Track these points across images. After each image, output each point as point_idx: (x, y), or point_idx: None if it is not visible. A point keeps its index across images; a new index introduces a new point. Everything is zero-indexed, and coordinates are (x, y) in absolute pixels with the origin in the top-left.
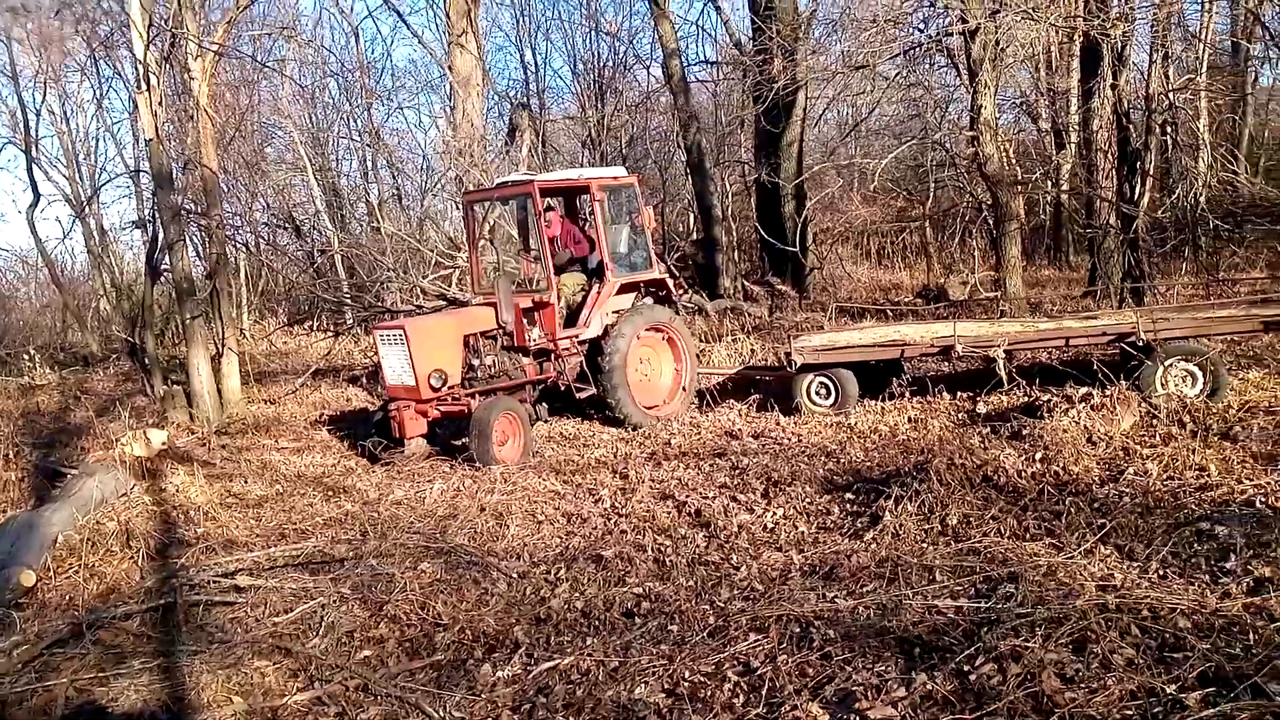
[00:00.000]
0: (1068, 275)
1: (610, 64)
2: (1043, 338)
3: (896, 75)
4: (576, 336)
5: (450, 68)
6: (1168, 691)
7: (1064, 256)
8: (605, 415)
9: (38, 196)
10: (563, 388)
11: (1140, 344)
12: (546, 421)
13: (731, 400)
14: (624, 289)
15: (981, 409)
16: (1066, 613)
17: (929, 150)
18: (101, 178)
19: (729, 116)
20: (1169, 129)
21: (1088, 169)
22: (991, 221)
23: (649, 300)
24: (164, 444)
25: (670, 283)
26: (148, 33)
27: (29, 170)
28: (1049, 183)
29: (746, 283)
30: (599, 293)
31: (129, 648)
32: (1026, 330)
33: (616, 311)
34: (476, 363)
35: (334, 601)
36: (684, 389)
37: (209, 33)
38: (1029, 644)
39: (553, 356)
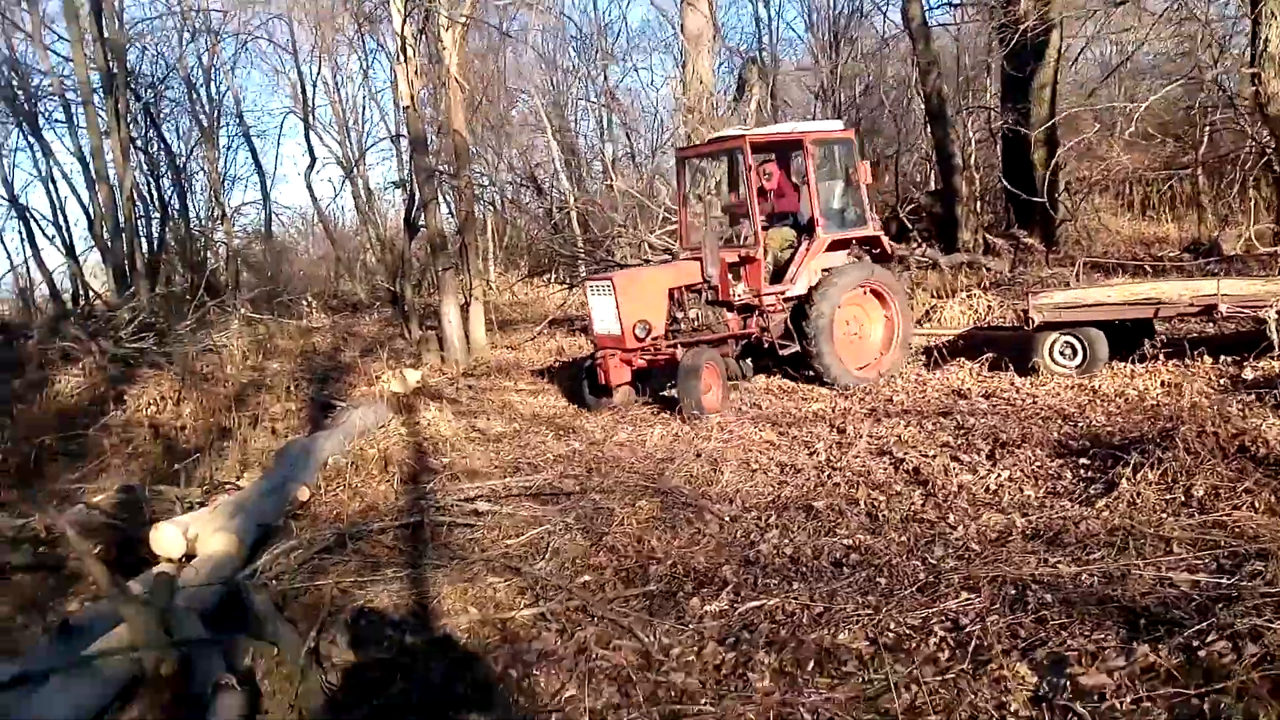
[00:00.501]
0: None
1: (845, 11)
2: None
3: (1166, 9)
4: (782, 293)
5: (681, 26)
6: None
7: None
8: (809, 374)
9: (314, 160)
10: (766, 344)
11: None
12: (748, 378)
13: (962, 359)
14: (835, 246)
15: (1248, 375)
16: None
17: (1202, 90)
18: (367, 142)
19: (973, 60)
20: None
21: None
22: (1276, 169)
23: (863, 258)
24: (418, 382)
25: (886, 240)
26: (405, 7)
27: (306, 136)
28: None
29: (988, 235)
30: (807, 249)
31: (383, 558)
32: None
33: (826, 269)
34: (680, 315)
35: (560, 530)
36: (896, 348)
37: (458, 6)
38: (1272, 624)
39: (757, 312)
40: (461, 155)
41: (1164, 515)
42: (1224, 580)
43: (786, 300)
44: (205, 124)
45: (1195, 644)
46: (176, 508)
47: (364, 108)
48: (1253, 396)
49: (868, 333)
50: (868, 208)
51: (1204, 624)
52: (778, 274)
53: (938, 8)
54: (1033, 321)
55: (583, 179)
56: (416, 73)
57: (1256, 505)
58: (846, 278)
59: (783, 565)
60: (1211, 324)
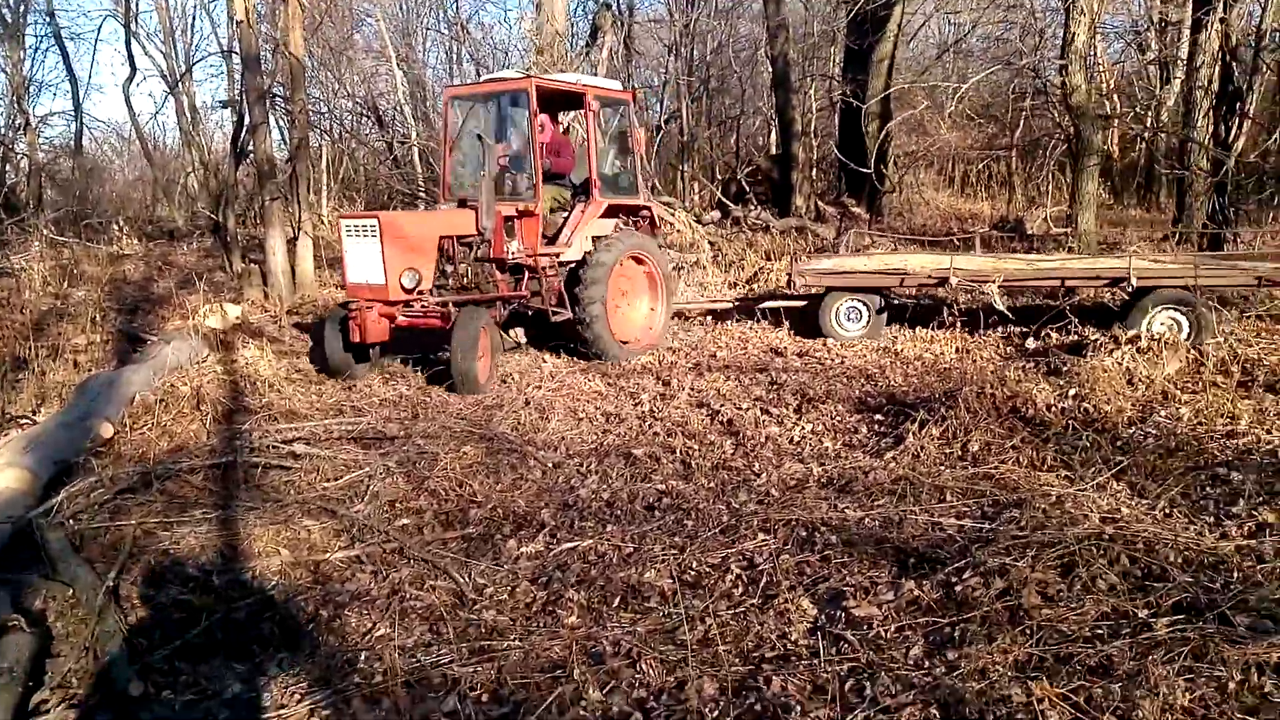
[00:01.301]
0: (1155, 216)
1: None
2: (1040, 276)
3: None
4: (558, 255)
5: None
6: (1139, 615)
7: (1154, 197)
8: (578, 346)
9: (134, 70)
10: (532, 311)
11: (1132, 289)
12: (521, 346)
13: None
14: (606, 213)
15: (1030, 344)
16: (1062, 539)
17: (1021, 76)
18: (195, 55)
19: (821, 28)
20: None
21: (1188, 107)
22: (1074, 156)
23: (632, 227)
24: (238, 318)
25: (656, 212)
26: None
27: (127, 44)
28: (1135, 119)
29: (820, 202)
30: (583, 211)
31: (192, 499)
32: (1024, 269)
33: (595, 237)
34: (450, 270)
35: (380, 473)
36: (661, 322)
37: None
38: (1017, 563)
39: (528, 274)
40: (297, 78)
41: (942, 467)
42: (984, 525)
43: (561, 264)
44: (8, 19)
45: (953, 580)
46: None
47: (194, 17)
48: (1031, 364)
49: (635, 304)
50: (640, 176)
51: (962, 562)
52: (548, 237)
53: None
54: (796, 286)
55: (428, 114)
56: None
57: (1020, 460)
58: (620, 245)
59: (599, 509)
60: (1009, 296)
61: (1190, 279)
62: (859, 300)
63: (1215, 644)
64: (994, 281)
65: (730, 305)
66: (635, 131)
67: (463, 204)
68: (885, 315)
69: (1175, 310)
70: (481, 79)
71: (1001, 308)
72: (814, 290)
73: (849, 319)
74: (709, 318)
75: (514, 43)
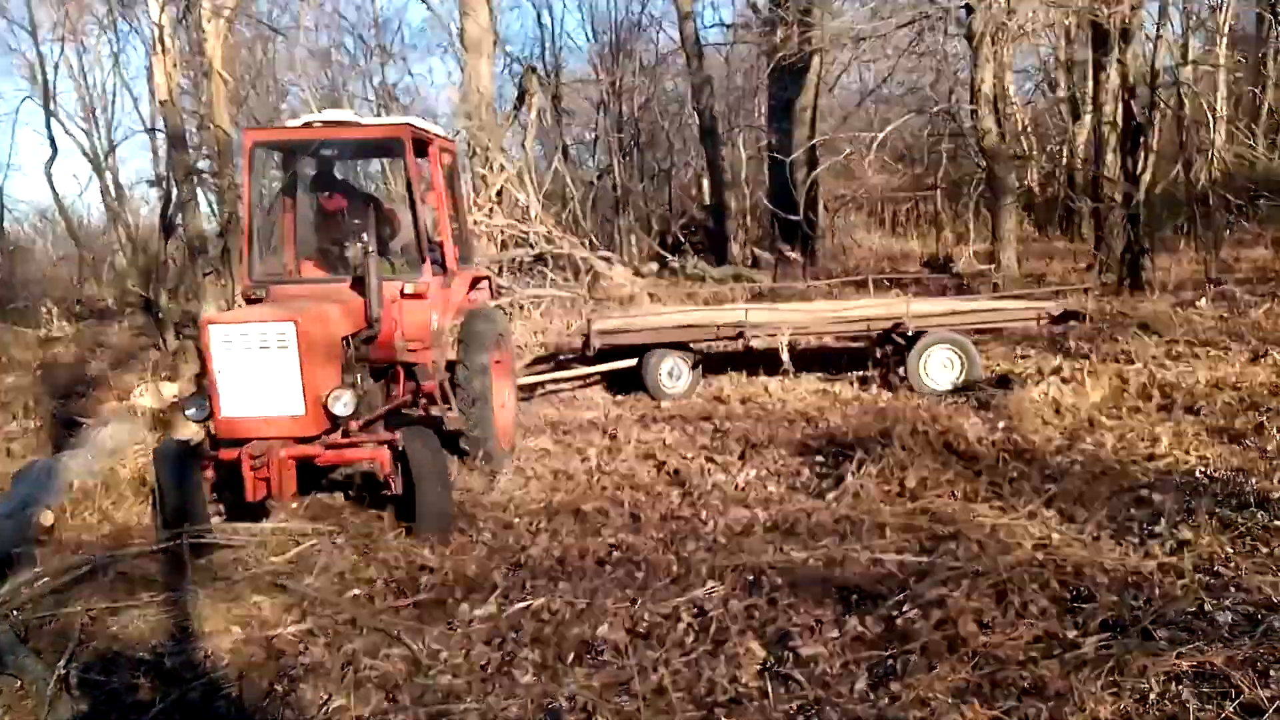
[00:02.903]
0: (1078, 247)
1: (625, 24)
2: (826, 325)
3: (910, 45)
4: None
5: (461, 31)
6: (1068, 636)
7: (1076, 229)
8: (464, 452)
9: (55, 150)
10: (421, 413)
11: (909, 332)
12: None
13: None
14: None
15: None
16: (995, 567)
17: (938, 120)
18: (119, 133)
19: (744, 82)
20: (1180, 104)
21: (1096, 142)
22: (989, 195)
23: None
24: (175, 396)
25: (493, 283)
26: None
27: (47, 124)
28: (1045, 158)
29: (755, 249)
30: (446, 289)
31: (139, 584)
32: (809, 318)
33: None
34: (356, 378)
35: (329, 546)
36: (510, 419)
37: None
38: (953, 593)
39: (402, 373)
40: (224, 152)
41: (881, 504)
42: (923, 559)
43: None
44: None
45: (894, 613)
46: None
47: (115, 95)
48: (962, 399)
49: (499, 393)
50: (468, 237)
51: (902, 596)
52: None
53: (712, 27)
54: (592, 346)
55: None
56: (175, 64)
57: (955, 493)
58: (490, 326)
59: (550, 567)
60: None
61: (960, 321)
62: (677, 357)
63: (1138, 658)
64: (784, 333)
65: (535, 381)
66: (437, 184)
67: (358, 284)
68: (700, 369)
69: (948, 350)
70: (296, 122)
71: (786, 358)
72: (602, 348)
73: (670, 376)
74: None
75: (443, 104)
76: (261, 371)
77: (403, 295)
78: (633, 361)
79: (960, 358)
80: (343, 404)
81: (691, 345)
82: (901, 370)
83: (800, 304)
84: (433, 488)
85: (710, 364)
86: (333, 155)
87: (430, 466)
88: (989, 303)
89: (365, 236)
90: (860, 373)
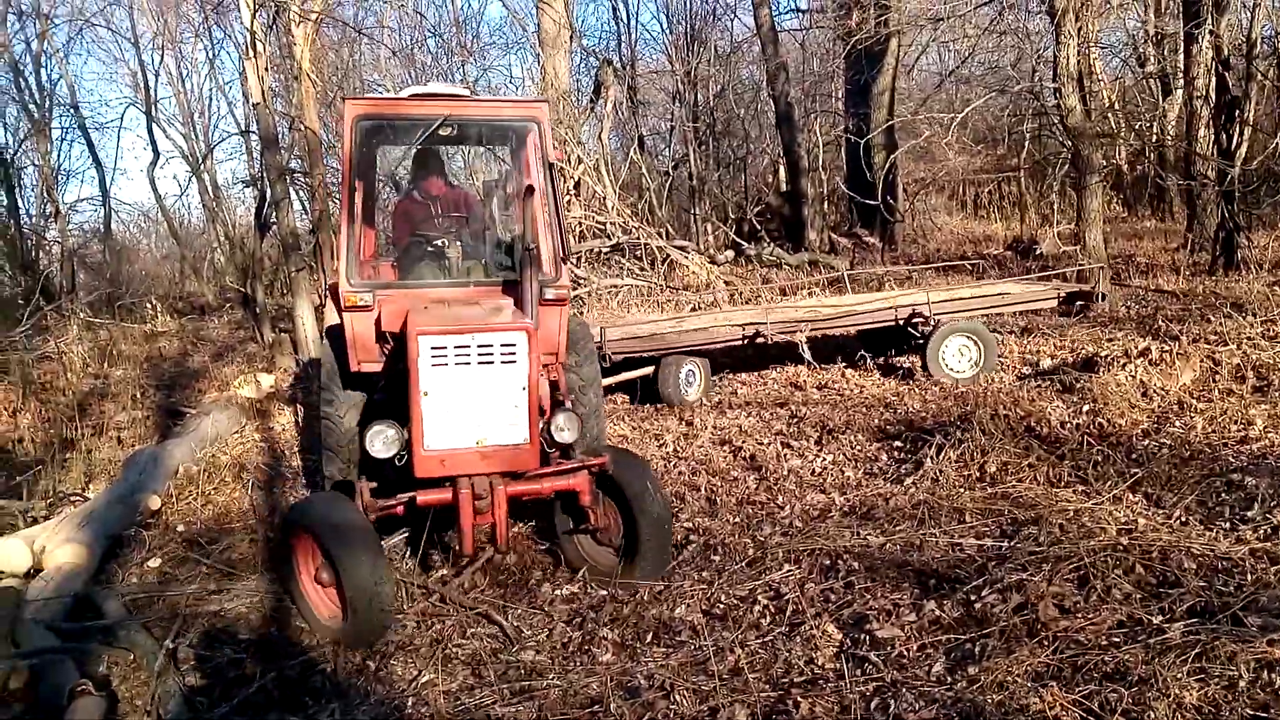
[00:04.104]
0: (1169, 227)
1: (700, 13)
2: (843, 317)
3: (990, 24)
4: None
5: (537, 26)
6: (1154, 621)
7: (1168, 208)
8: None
9: (157, 154)
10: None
11: (928, 320)
12: None
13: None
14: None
15: (1045, 364)
16: (1077, 552)
17: (1021, 99)
18: (215, 136)
19: (820, 67)
20: (1274, 75)
21: (1188, 118)
22: (1075, 175)
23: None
24: (272, 387)
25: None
26: (254, 2)
27: (149, 129)
28: (1133, 135)
29: (833, 235)
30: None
31: (239, 565)
32: (828, 312)
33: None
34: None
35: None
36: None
37: (310, 0)
38: (1034, 578)
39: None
40: (315, 152)
41: (961, 489)
42: (1003, 544)
43: None
44: (35, 115)
45: (972, 598)
46: (19, 521)
47: (211, 100)
48: (1046, 382)
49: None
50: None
51: (980, 580)
52: None
53: (786, 14)
54: (608, 356)
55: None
56: (267, 68)
57: (1037, 478)
58: (586, 331)
59: None
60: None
61: (977, 306)
62: (693, 363)
63: (1226, 644)
64: (803, 331)
65: None
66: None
67: (510, 288)
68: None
69: (965, 338)
70: (419, 90)
71: (808, 355)
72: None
73: (687, 381)
74: None
75: None
76: (481, 392)
77: (543, 302)
78: (648, 370)
79: (976, 344)
80: (568, 430)
81: (706, 350)
82: (920, 359)
83: (821, 299)
84: (659, 527)
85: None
86: (452, 134)
87: (654, 501)
88: (994, 288)
89: (506, 232)
90: (879, 359)
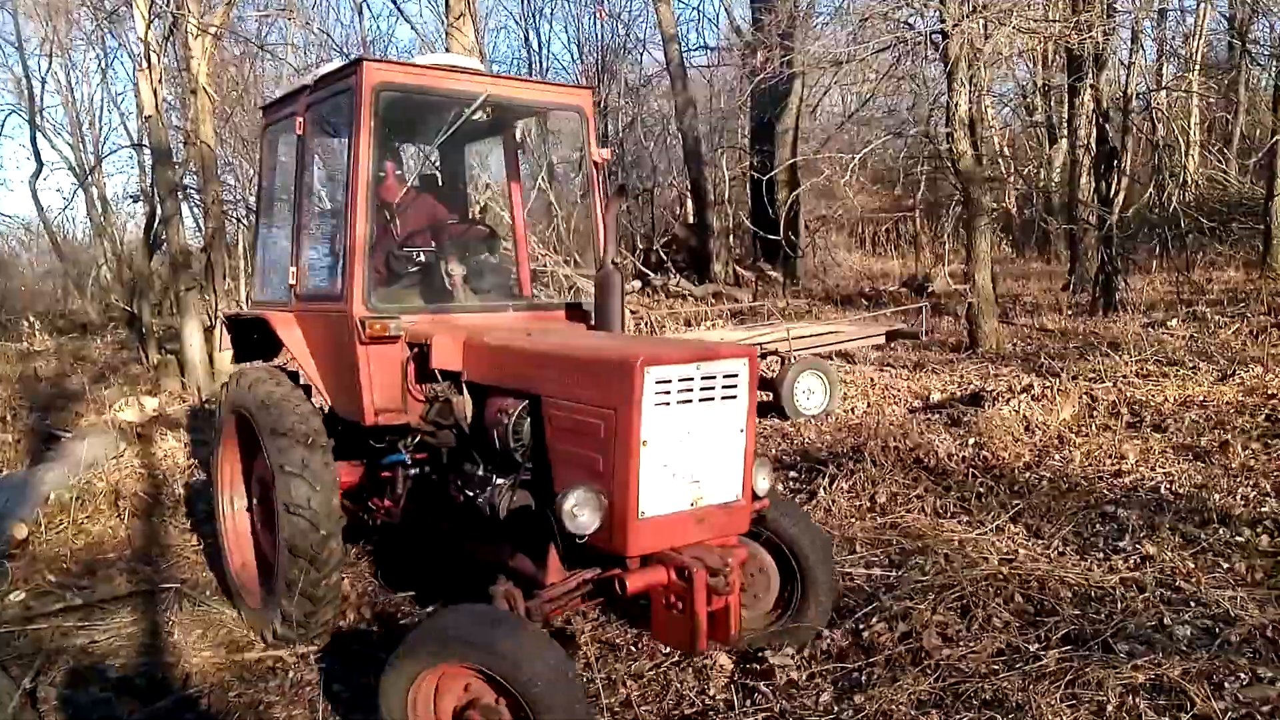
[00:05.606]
0: (1054, 269)
1: (611, 47)
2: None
3: (889, 69)
4: None
5: (447, 50)
6: (1030, 649)
7: (1053, 250)
8: None
9: (41, 165)
10: None
11: (785, 357)
12: None
13: None
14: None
15: (935, 397)
16: (961, 581)
17: (916, 142)
18: (105, 148)
19: (727, 103)
20: (1153, 128)
21: (1071, 166)
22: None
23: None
24: (155, 410)
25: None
26: (149, 13)
27: (32, 138)
28: (1021, 180)
29: (738, 268)
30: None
31: (110, 597)
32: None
33: None
34: None
35: None
36: None
37: (210, 13)
38: (919, 606)
39: None
40: (209, 168)
41: (852, 518)
42: (891, 573)
43: None
44: None
45: (860, 626)
46: None
47: (102, 110)
48: (936, 416)
49: None
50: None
51: (869, 609)
52: None
53: (695, 50)
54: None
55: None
56: (161, 80)
57: (924, 509)
58: None
59: None
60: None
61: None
62: None
63: (1096, 670)
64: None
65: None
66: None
67: (576, 311)
68: None
69: (812, 375)
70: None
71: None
72: None
73: None
74: None
75: None
76: (700, 437)
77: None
78: None
79: (823, 383)
80: (764, 479)
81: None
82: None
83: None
84: (826, 586)
85: None
86: (480, 119)
87: (825, 559)
88: (824, 327)
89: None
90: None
